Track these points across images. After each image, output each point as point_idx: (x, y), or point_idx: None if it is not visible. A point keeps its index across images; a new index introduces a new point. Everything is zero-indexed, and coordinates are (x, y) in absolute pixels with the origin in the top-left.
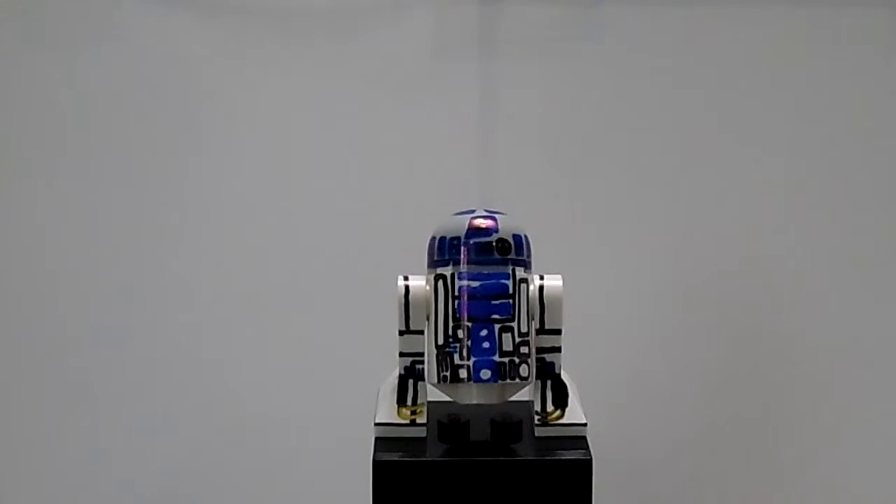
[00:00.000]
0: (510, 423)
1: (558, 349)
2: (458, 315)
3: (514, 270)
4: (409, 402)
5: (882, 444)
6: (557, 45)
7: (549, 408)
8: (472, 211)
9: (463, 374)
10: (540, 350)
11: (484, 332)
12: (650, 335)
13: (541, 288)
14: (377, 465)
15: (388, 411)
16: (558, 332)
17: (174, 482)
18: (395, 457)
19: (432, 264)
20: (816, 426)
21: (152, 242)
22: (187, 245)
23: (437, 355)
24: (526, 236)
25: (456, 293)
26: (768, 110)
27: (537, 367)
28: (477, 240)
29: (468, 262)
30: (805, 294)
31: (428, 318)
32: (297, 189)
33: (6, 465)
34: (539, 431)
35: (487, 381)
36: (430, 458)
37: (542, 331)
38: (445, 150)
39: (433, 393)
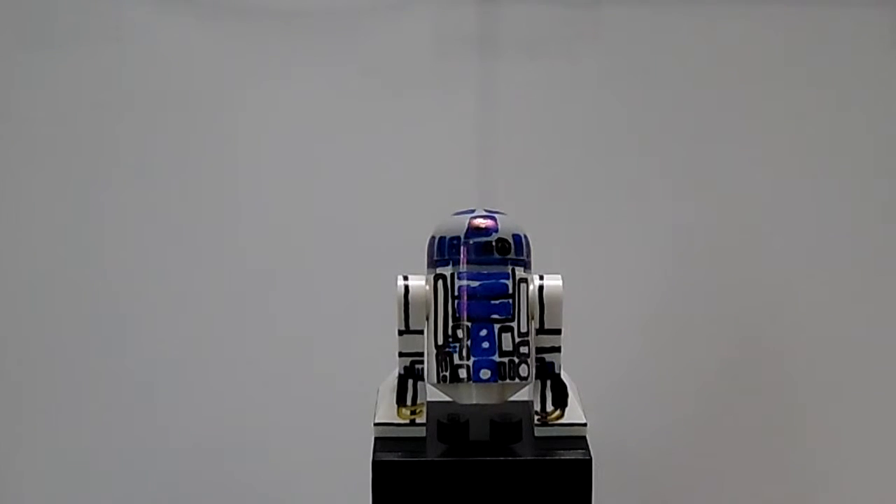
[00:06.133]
0: (510, 423)
1: (558, 349)
2: (457, 315)
3: (513, 270)
4: (409, 401)
5: (882, 444)
6: (557, 45)
7: (549, 408)
8: (472, 211)
9: (462, 373)
10: (539, 350)
11: (483, 332)
12: (650, 335)
13: (540, 288)
14: (377, 465)
15: (387, 411)
16: (558, 331)
17: (174, 482)
18: (394, 457)
19: (432, 264)
20: (816, 426)
21: (152, 242)
22: (187, 244)
23: (437, 355)
24: (526, 236)
25: (455, 293)
26: (768, 110)
27: (537, 367)
28: (477, 239)
29: (468, 262)
30: (805, 294)
31: (427, 318)
32: (296, 189)
33: (7, 466)
34: (539, 431)
35: (487, 380)
36: (429, 458)
37: (541, 331)
38: (445, 149)
39: (433, 393)
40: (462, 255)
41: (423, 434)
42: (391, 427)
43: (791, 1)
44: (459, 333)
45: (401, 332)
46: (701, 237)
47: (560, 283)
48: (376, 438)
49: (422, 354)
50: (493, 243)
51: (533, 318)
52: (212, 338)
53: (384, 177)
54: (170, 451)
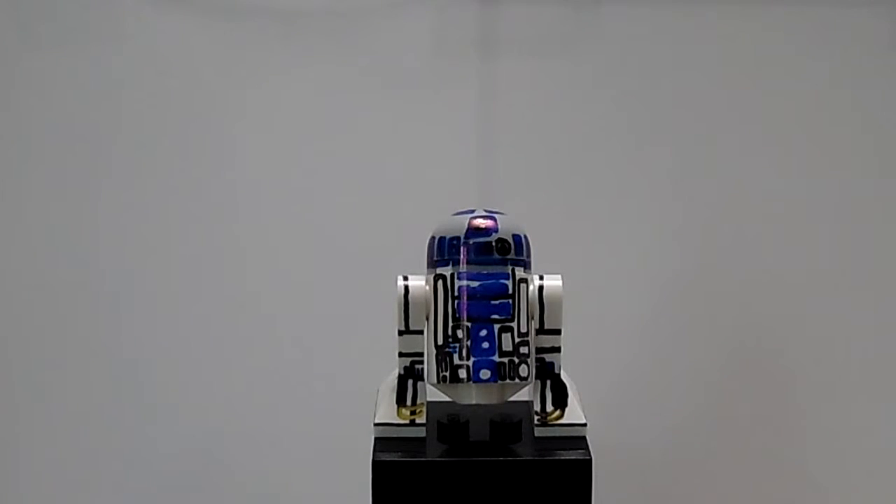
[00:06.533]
0: (510, 423)
1: (558, 349)
2: (457, 315)
3: (513, 270)
4: (409, 402)
5: (882, 444)
6: (557, 45)
7: (549, 408)
8: (472, 211)
9: (462, 374)
10: (539, 350)
11: (483, 332)
12: (650, 335)
13: (540, 288)
14: (376, 465)
15: (387, 411)
16: (558, 332)
17: (173, 482)
18: (394, 457)
19: (432, 264)
20: (816, 425)
21: (152, 242)
22: (186, 244)
23: (437, 355)
24: (526, 236)
25: (455, 293)
26: (768, 110)
27: (537, 367)
28: (477, 240)
29: (468, 262)
30: (805, 294)
31: (427, 318)
32: (296, 189)
33: (7, 466)
34: (539, 431)
35: (487, 381)
36: (429, 459)
37: (541, 331)
38: (445, 150)
39: (433, 393)
40: (462, 256)
41: (423, 434)
42: (391, 427)
43: (791, 1)
44: (459, 333)
45: (401, 333)
46: (701, 237)
47: (560, 283)
48: (376, 438)
49: (422, 354)
50: (493, 243)
51: (533, 319)
52: (212, 338)
53: (384, 177)
54: (169, 452)
